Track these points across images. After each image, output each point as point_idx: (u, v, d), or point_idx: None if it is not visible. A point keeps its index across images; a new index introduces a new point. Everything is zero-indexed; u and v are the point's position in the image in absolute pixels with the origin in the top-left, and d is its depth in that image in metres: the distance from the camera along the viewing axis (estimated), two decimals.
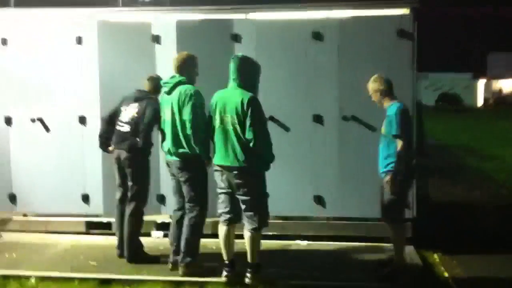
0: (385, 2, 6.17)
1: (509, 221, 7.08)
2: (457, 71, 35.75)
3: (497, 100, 36.91)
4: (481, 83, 38.03)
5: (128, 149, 5.27)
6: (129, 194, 5.43)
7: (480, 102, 37.15)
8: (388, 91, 4.97)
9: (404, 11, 6.00)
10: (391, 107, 4.91)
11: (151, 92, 5.47)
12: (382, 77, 5.02)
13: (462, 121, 23.78)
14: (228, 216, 4.85)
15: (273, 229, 5.88)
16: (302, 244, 5.99)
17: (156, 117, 5.17)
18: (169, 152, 5.04)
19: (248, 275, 4.78)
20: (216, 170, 4.82)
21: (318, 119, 5.98)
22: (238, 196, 4.75)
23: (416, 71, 5.91)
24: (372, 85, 5.03)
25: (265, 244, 5.70)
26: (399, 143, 4.75)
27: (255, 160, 4.67)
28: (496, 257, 5.72)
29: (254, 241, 4.77)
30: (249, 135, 4.58)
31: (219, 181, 4.84)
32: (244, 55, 4.90)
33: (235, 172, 4.67)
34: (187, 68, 5.04)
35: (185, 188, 5.01)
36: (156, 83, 5.42)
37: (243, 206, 4.76)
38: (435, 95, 34.03)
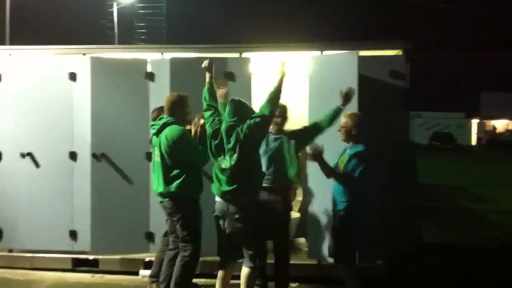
0: (382, 44, 6.28)
1: (502, 263, 7.01)
2: (450, 111, 36.10)
3: (490, 140, 37.15)
4: (474, 122, 38.37)
5: None
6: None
7: (473, 141, 37.40)
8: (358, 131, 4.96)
9: (397, 52, 6.10)
10: (356, 148, 4.92)
11: None
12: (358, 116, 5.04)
13: (455, 161, 23.84)
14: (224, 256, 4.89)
15: None
16: (293, 285, 5.90)
17: None
18: (160, 194, 5.02)
19: None
20: None
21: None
22: None
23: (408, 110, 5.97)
24: (346, 121, 5.02)
25: None
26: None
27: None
28: None
29: (250, 280, 4.75)
30: None
31: None
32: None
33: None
34: (176, 108, 5.07)
35: (178, 228, 4.98)
36: None
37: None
38: (428, 134, 34.21)
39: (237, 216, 4.59)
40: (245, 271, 4.74)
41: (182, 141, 4.92)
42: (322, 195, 5.81)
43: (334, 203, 5.00)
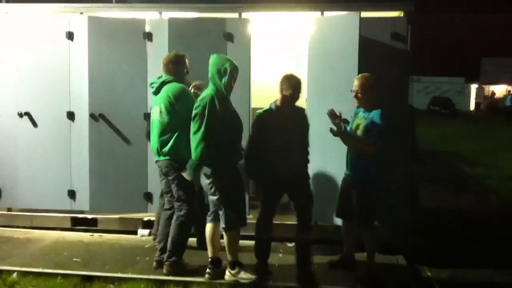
0: (383, 5, 6.16)
1: (499, 228, 7.07)
2: (450, 75, 35.89)
3: (489, 105, 37.09)
4: (473, 87, 38.21)
5: None
6: None
7: (472, 106, 37.33)
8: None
9: (399, 14, 6.02)
10: (376, 112, 4.88)
11: None
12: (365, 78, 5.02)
13: (454, 126, 23.85)
14: (210, 213, 4.92)
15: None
16: (289, 245, 5.96)
17: None
18: (157, 152, 5.02)
19: (226, 272, 4.82)
20: None
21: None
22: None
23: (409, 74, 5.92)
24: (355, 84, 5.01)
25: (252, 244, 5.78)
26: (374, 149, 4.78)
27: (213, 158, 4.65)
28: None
29: (227, 239, 4.79)
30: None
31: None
32: None
33: (203, 170, 4.73)
34: (174, 67, 5.02)
35: (173, 187, 4.99)
36: None
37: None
38: (427, 99, 34.10)
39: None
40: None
41: (184, 96, 4.90)
42: (319, 158, 5.84)
43: (359, 171, 4.93)
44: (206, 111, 4.56)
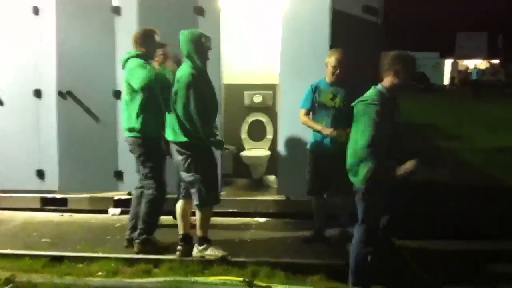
0: None
1: (471, 199, 7.13)
2: (425, 50, 36.08)
3: (462, 80, 37.48)
4: (448, 62, 38.52)
5: None
6: None
7: (446, 81, 37.68)
8: None
9: None
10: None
11: None
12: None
13: (428, 100, 24.07)
14: (181, 190, 4.88)
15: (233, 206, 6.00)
16: (261, 221, 5.96)
17: None
18: (124, 131, 4.94)
19: (194, 248, 4.79)
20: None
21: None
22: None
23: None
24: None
25: (226, 220, 5.86)
26: None
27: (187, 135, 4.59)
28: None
29: (200, 216, 4.74)
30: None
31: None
32: None
33: (176, 147, 4.66)
34: (142, 43, 4.90)
35: (140, 165, 4.92)
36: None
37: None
38: None
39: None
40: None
41: (138, 72, 4.74)
42: (291, 133, 5.81)
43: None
44: (192, 91, 4.48)
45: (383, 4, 5.91)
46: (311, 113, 5.14)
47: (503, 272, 4.83)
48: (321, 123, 5.00)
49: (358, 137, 3.91)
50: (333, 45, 5.56)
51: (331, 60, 4.99)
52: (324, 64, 5.06)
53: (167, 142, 4.83)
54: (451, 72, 39.59)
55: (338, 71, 4.98)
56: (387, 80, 4.04)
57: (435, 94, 29.12)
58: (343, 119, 4.85)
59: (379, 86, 4.04)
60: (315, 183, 5.19)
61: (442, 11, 39.91)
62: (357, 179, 3.98)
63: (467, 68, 39.28)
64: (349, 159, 4.06)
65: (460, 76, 39.15)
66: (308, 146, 5.23)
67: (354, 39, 5.64)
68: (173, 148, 4.69)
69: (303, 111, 5.13)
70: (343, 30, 5.65)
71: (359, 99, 4.03)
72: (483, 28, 41.67)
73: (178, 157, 4.67)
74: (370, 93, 4.01)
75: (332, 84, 5.04)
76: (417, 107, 19.64)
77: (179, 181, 5.00)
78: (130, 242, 5.00)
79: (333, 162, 4.92)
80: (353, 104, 4.08)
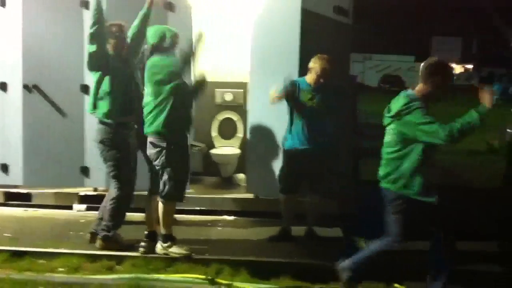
0: None
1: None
2: (400, 54, 36.41)
3: None
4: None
5: None
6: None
7: None
8: None
9: None
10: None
11: None
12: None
13: None
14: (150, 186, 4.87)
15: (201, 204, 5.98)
16: (229, 219, 5.95)
17: None
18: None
19: (158, 245, 4.75)
20: None
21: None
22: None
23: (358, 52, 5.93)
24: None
25: (193, 218, 5.83)
26: None
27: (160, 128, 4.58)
28: None
29: (162, 211, 4.69)
30: None
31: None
32: None
33: (151, 139, 4.65)
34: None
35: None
36: None
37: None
38: (378, 76, 34.60)
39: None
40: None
41: (92, 63, 4.79)
42: (261, 131, 5.81)
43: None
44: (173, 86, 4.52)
45: (353, 5, 5.93)
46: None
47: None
48: (299, 121, 5.03)
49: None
50: (303, 44, 5.60)
51: (316, 67, 5.02)
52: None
53: (139, 135, 4.79)
54: None
55: (321, 80, 5.02)
56: (422, 88, 3.89)
57: None
58: (320, 120, 5.02)
59: (409, 93, 3.91)
60: (289, 181, 5.21)
61: (418, 14, 40.33)
62: (412, 191, 3.83)
63: None
64: (401, 171, 3.87)
65: None
66: (284, 144, 5.23)
67: (324, 39, 5.67)
68: (148, 140, 4.65)
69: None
70: (314, 30, 5.68)
71: (393, 114, 3.87)
72: (458, 33, 42.26)
73: (152, 150, 4.63)
74: (404, 102, 3.84)
75: (312, 85, 5.06)
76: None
77: (150, 176, 4.94)
78: (94, 236, 4.93)
79: (309, 160, 4.98)
80: (389, 122, 3.95)
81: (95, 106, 4.80)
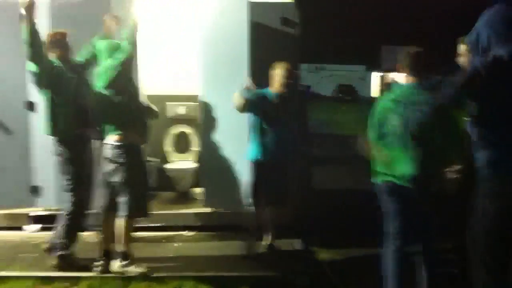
0: None
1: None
2: (352, 63, 37.09)
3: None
4: (374, 75, 39.75)
5: None
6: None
7: (373, 93, 38.85)
8: None
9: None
10: None
11: None
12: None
13: (356, 112, 24.68)
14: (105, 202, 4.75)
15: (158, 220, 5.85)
16: (187, 234, 5.89)
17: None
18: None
19: (116, 263, 4.65)
20: None
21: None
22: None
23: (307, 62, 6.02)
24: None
25: (150, 235, 5.73)
26: None
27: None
28: None
29: (124, 228, 4.59)
30: None
31: None
32: None
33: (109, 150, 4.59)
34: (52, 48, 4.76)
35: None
36: None
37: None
38: (332, 86, 35.13)
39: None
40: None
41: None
42: (215, 144, 5.81)
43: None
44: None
45: (300, 17, 6.02)
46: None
47: None
48: (266, 132, 5.03)
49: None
50: (252, 56, 5.64)
51: (279, 71, 5.04)
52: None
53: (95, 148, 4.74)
54: (380, 85, 40.91)
55: (287, 81, 5.03)
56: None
57: (362, 105, 29.97)
58: (285, 129, 5.08)
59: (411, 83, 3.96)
60: (260, 194, 5.19)
61: (368, 25, 41.18)
62: None
63: (393, 80, 40.65)
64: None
65: (386, 88, 40.50)
66: (251, 156, 5.17)
67: (272, 50, 5.71)
68: (105, 154, 4.56)
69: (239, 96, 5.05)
70: (262, 42, 5.72)
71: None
72: (408, 43, 43.35)
73: (109, 166, 4.55)
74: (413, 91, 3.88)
75: (278, 93, 5.07)
76: (345, 118, 20.13)
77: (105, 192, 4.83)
78: (50, 251, 4.79)
79: (274, 170, 5.00)
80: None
81: (51, 125, 4.68)
